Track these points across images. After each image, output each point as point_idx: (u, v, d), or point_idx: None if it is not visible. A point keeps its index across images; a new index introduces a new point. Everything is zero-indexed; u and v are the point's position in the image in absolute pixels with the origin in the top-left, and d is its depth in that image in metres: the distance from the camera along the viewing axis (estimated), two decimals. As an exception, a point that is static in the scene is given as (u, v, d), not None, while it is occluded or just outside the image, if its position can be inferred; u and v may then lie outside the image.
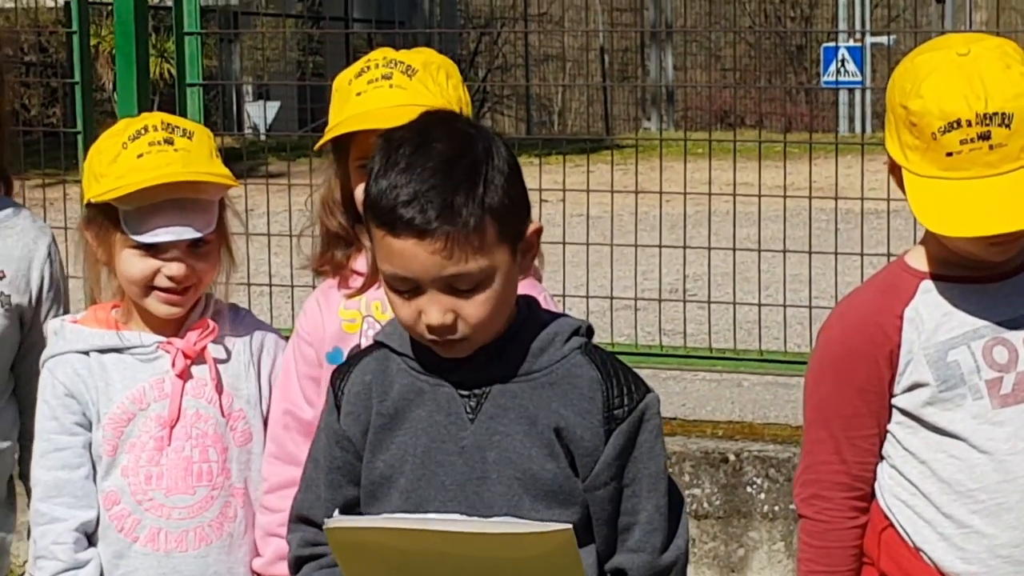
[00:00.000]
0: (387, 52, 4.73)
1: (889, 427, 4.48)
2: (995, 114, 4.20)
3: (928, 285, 4.43)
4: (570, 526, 3.70)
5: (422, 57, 4.72)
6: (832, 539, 4.52)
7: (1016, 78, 4.23)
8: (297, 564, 4.20)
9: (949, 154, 4.20)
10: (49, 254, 4.90)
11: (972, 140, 4.19)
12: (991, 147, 4.18)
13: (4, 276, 4.79)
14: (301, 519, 4.15)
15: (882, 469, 4.53)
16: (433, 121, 4.03)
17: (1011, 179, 4.18)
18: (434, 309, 3.82)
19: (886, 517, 4.52)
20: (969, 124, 4.20)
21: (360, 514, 4.01)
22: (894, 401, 4.45)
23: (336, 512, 3.96)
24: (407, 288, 3.86)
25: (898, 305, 4.42)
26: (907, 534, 4.46)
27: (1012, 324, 4.34)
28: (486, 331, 3.92)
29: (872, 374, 4.41)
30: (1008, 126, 4.19)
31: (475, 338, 3.91)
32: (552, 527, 3.70)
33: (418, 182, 3.78)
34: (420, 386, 4.02)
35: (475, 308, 3.85)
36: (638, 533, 3.99)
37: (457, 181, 3.80)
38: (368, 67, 4.70)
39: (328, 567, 4.10)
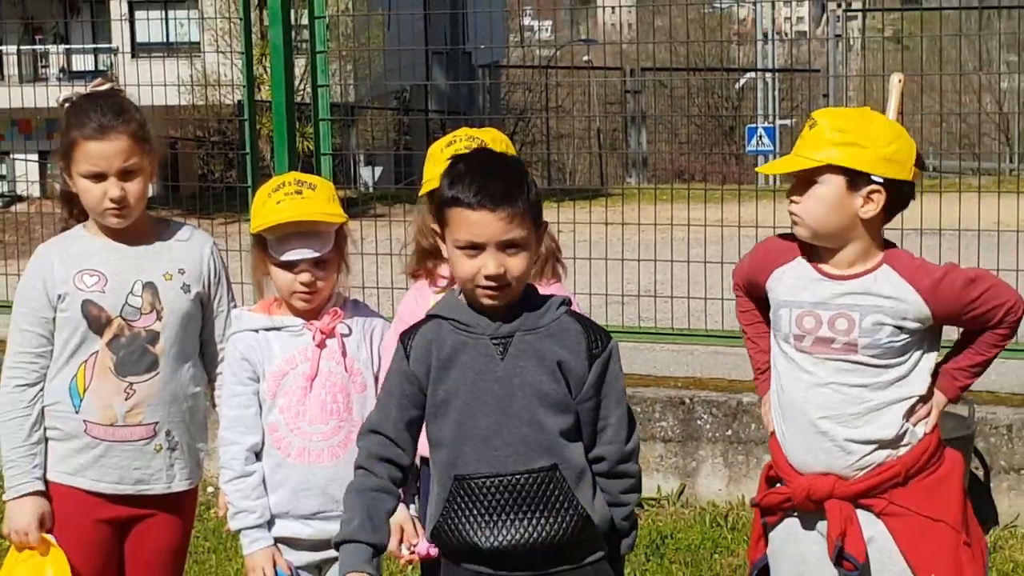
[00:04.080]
0: (468, 131, 4.75)
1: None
2: None
3: (799, 261, 4.42)
4: None
5: (490, 135, 4.75)
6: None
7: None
8: (357, 466, 4.21)
9: None
10: (212, 253, 4.91)
11: None
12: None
13: (185, 272, 4.80)
14: (372, 431, 4.17)
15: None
16: (486, 151, 4.35)
17: None
18: (492, 262, 3.94)
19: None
20: None
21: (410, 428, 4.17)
22: None
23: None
24: (473, 248, 3.97)
25: (780, 260, 4.48)
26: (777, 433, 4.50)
27: (823, 306, 4.30)
28: (520, 284, 4.04)
29: (751, 288, 4.65)
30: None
31: (513, 289, 4.03)
32: None
33: (491, 178, 4.00)
34: (464, 339, 4.08)
35: (517, 264, 3.97)
36: (610, 431, 4.10)
37: (513, 181, 4.02)
38: (455, 140, 4.72)
39: (374, 490, 4.12)
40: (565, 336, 4.11)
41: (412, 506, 4.69)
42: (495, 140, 4.72)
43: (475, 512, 4.03)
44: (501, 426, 4.03)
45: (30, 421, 4.69)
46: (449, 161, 4.15)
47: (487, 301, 4.04)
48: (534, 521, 4.00)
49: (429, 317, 4.19)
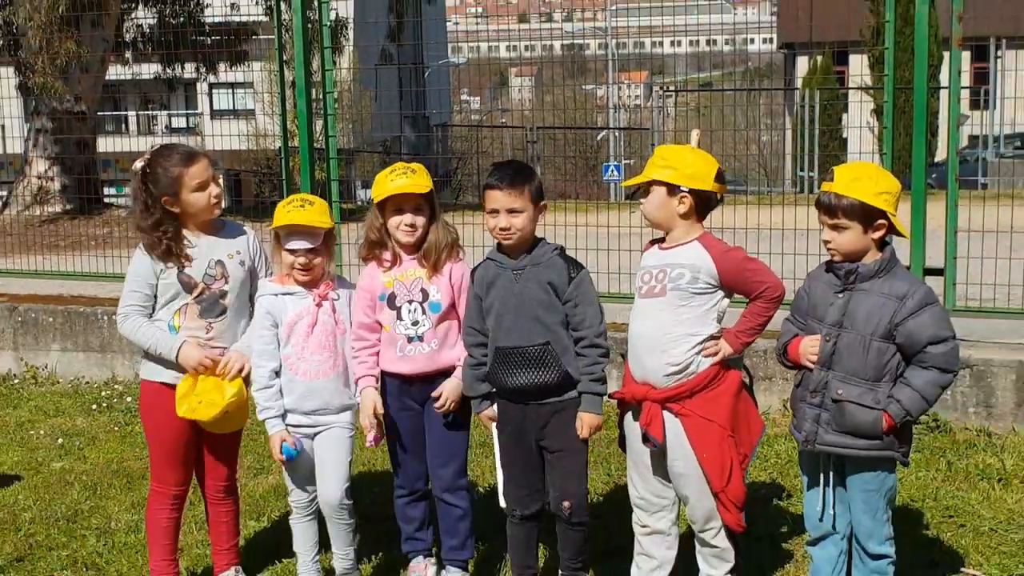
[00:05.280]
0: (402, 164, 4.76)
1: None
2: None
3: (654, 246, 4.44)
4: None
5: (416, 166, 4.74)
6: None
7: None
8: (466, 351, 4.63)
9: None
10: (254, 240, 4.90)
11: None
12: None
13: (240, 253, 4.78)
14: (469, 326, 4.60)
15: None
16: (510, 161, 4.77)
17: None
18: (503, 220, 4.41)
19: None
20: None
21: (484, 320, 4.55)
22: None
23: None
24: (494, 212, 4.42)
25: (648, 247, 4.50)
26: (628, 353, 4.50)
27: (654, 267, 4.34)
28: (521, 233, 4.43)
29: None
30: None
31: (518, 238, 4.44)
32: None
33: (505, 172, 4.47)
34: (499, 271, 4.50)
35: (517, 222, 4.42)
36: (587, 321, 4.41)
37: (517, 175, 4.46)
38: (395, 169, 4.72)
39: (475, 366, 4.58)
40: (554, 266, 4.44)
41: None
42: (419, 169, 4.74)
43: (505, 366, 4.45)
44: (517, 319, 4.42)
45: (154, 325, 4.69)
46: (494, 165, 4.61)
47: (503, 242, 4.47)
48: (535, 372, 4.40)
49: (485, 259, 4.59)
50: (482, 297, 4.50)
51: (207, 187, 4.66)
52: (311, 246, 4.68)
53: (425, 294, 4.69)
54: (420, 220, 4.69)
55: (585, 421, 4.43)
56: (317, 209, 4.70)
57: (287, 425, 4.73)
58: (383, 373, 4.77)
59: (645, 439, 4.34)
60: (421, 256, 4.71)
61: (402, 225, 4.68)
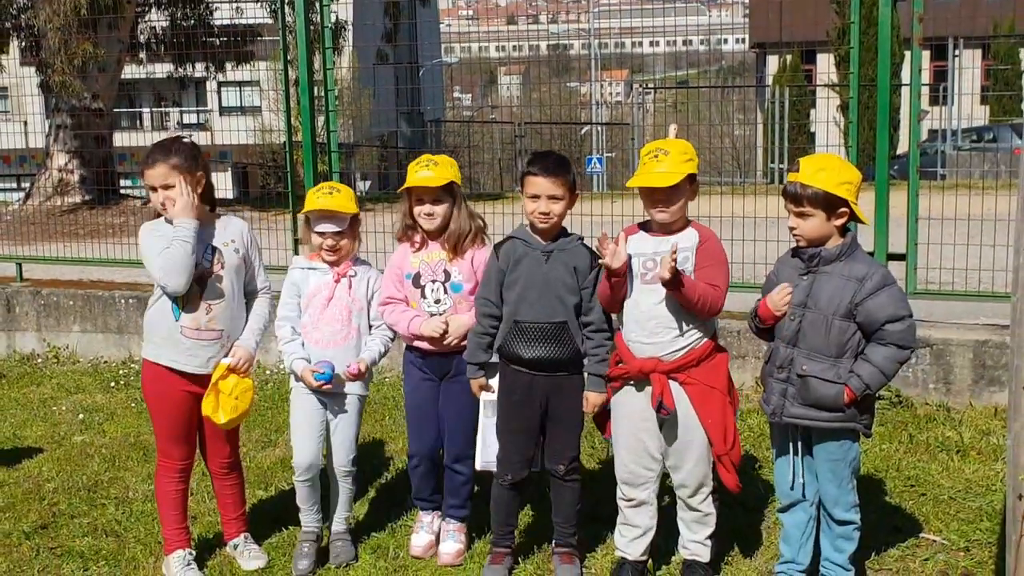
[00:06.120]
0: (427, 156, 4.87)
1: None
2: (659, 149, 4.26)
3: (642, 233, 4.39)
4: None
5: (440, 158, 4.84)
6: None
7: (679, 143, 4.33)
8: (476, 318, 4.65)
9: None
10: (247, 231, 4.86)
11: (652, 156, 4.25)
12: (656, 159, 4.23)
13: (235, 241, 4.75)
14: (482, 296, 4.61)
15: None
16: (550, 151, 4.71)
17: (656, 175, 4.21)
18: (544, 205, 4.43)
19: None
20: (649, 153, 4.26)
21: (501, 295, 4.54)
22: None
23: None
24: (534, 197, 4.44)
25: (634, 232, 4.40)
26: (624, 333, 4.42)
27: (658, 254, 4.24)
28: (558, 219, 4.47)
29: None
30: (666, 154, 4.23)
31: (553, 223, 4.47)
32: None
33: (547, 161, 4.48)
34: (526, 250, 4.51)
35: (556, 208, 4.45)
36: (596, 309, 4.46)
37: (558, 165, 4.48)
38: (421, 162, 4.82)
39: (480, 334, 4.61)
40: (579, 254, 4.50)
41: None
42: (442, 161, 4.81)
43: (522, 339, 4.47)
44: (541, 296, 4.44)
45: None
46: (534, 153, 4.63)
47: (540, 225, 4.46)
48: (551, 347, 4.45)
49: (509, 237, 4.59)
50: (505, 272, 4.54)
51: (156, 191, 4.59)
52: (338, 229, 4.82)
53: (447, 275, 4.81)
54: (438, 208, 4.80)
55: (591, 399, 4.50)
56: (344, 196, 4.84)
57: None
58: (407, 347, 4.92)
59: (659, 408, 4.28)
60: (444, 240, 4.83)
61: (421, 213, 4.82)
